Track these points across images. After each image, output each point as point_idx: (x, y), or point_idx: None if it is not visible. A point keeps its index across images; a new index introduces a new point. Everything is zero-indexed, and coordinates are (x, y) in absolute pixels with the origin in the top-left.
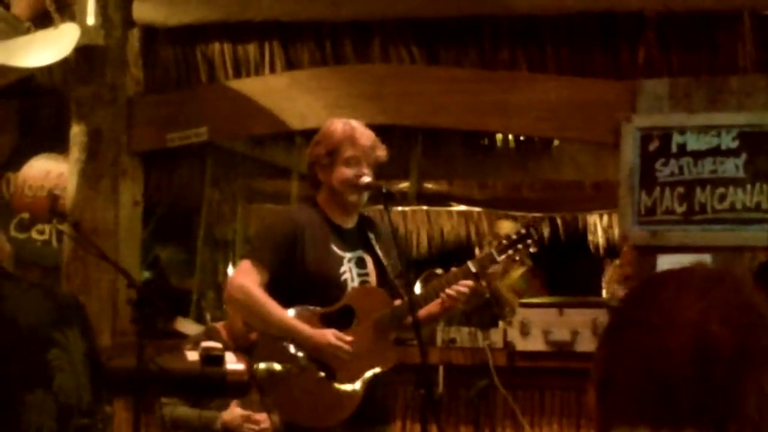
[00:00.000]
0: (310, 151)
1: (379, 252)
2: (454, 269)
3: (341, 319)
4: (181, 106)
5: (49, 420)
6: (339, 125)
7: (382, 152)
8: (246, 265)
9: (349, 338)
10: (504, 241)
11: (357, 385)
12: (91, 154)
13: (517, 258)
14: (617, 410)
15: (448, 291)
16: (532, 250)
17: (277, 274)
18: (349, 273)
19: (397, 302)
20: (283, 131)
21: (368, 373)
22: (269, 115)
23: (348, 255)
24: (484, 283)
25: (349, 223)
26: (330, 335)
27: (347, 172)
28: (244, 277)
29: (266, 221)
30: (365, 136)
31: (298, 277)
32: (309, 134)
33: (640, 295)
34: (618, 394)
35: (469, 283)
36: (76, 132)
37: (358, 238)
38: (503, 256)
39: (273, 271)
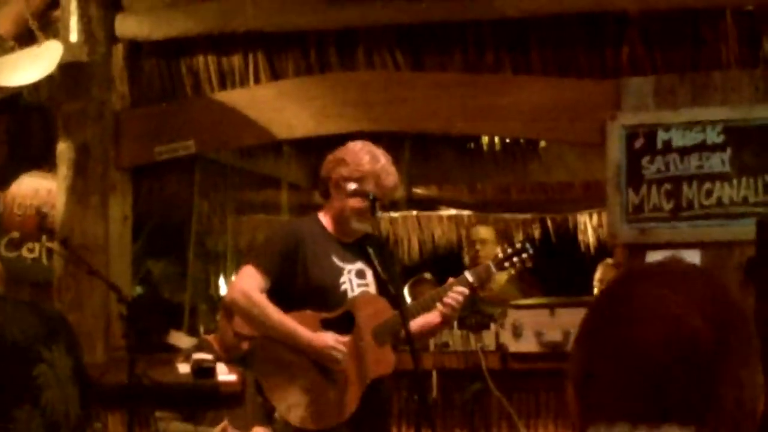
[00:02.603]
0: (331, 166)
1: (378, 266)
2: (451, 279)
3: (341, 325)
4: (168, 120)
5: None
6: (367, 157)
7: (398, 193)
8: (248, 270)
9: (347, 342)
10: (500, 255)
11: (355, 389)
12: (79, 171)
13: (513, 271)
14: (596, 407)
15: (446, 299)
16: (528, 264)
17: (279, 282)
18: (348, 284)
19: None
20: (270, 141)
21: (367, 378)
22: (256, 126)
23: (348, 267)
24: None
25: (350, 238)
26: (329, 338)
27: (360, 204)
28: (246, 281)
29: (268, 230)
30: (390, 177)
31: (298, 286)
32: (297, 144)
33: (617, 290)
34: (596, 390)
35: (465, 290)
36: (64, 148)
37: (358, 252)
38: (500, 269)
39: (274, 278)
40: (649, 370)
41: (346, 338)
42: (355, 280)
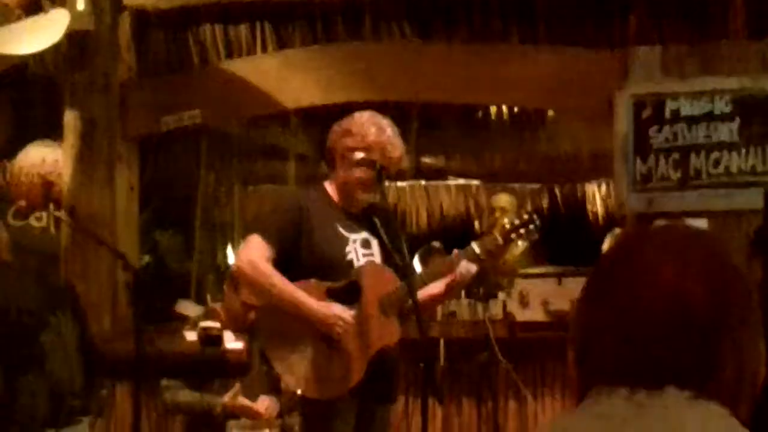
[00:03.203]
0: (336, 136)
1: (384, 236)
2: (456, 251)
3: (347, 295)
4: (174, 90)
5: (42, 401)
6: (373, 128)
7: (404, 164)
8: (254, 239)
9: (353, 312)
10: (507, 226)
11: (360, 359)
12: (85, 141)
13: (519, 243)
14: (596, 371)
15: (454, 271)
16: (534, 236)
17: (284, 251)
18: (354, 253)
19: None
20: (277, 112)
21: (372, 348)
22: (263, 96)
23: (353, 236)
24: (487, 265)
25: (355, 208)
26: (335, 308)
27: (365, 174)
28: (251, 251)
29: (273, 200)
30: (396, 149)
31: (304, 256)
32: (303, 114)
33: (617, 255)
34: (596, 354)
35: (473, 267)
36: (70, 119)
37: (363, 222)
38: (506, 240)
39: (279, 248)
40: (647, 335)
41: (351, 308)
42: (361, 249)
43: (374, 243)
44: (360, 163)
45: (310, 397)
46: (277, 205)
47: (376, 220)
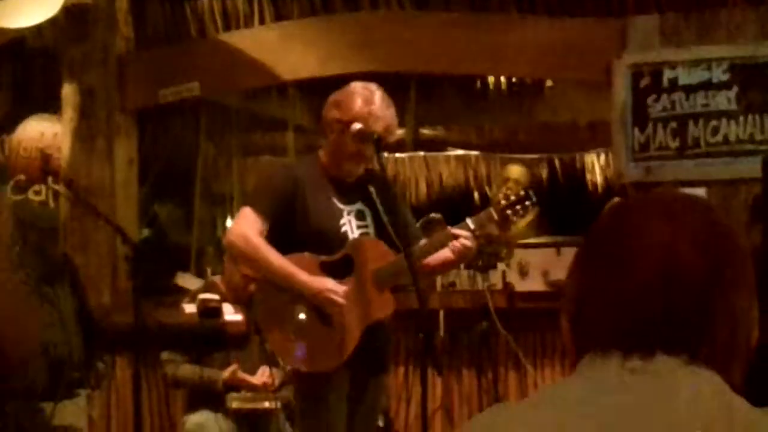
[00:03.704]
0: (327, 107)
1: (379, 206)
2: (450, 228)
3: (341, 268)
4: (172, 62)
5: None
6: (360, 99)
7: (394, 136)
8: (246, 212)
9: (346, 287)
10: (503, 202)
11: (353, 333)
12: (84, 114)
13: (515, 219)
14: (589, 337)
15: (451, 246)
16: (530, 212)
17: (277, 224)
18: (348, 225)
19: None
20: (275, 83)
21: (365, 322)
22: (261, 68)
23: (348, 208)
24: (481, 240)
25: (350, 177)
26: (328, 282)
27: (352, 147)
28: (244, 224)
29: (266, 172)
30: (380, 121)
31: (297, 228)
32: (302, 86)
33: (610, 221)
34: (590, 321)
35: (468, 243)
36: (69, 92)
37: (358, 192)
38: (502, 216)
39: (272, 220)
40: (640, 300)
41: (344, 282)
42: (355, 221)
43: (369, 214)
44: (344, 133)
45: (302, 372)
46: (271, 178)
47: (372, 189)
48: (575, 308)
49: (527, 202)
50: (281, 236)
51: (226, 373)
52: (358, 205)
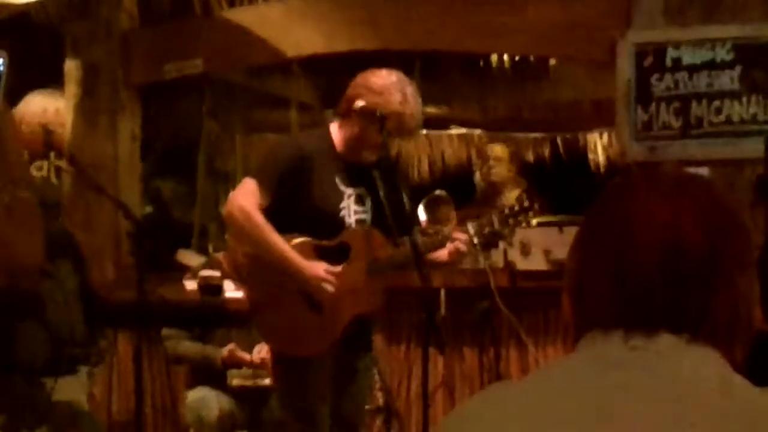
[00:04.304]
0: (359, 90)
1: (381, 192)
2: (448, 230)
3: (336, 255)
4: (177, 39)
5: (41, 349)
6: (397, 95)
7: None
8: (250, 185)
9: (338, 275)
10: (506, 211)
11: (339, 321)
12: (87, 90)
13: (515, 228)
14: (592, 315)
15: (449, 248)
16: (531, 222)
17: (279, 199)
18: (347, 209)
19: (400, 248)
20: (279, 60)
21: (352, 312)
22: (265, 45)
23: (349, 191)
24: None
25: (360, 161)
26: (320, 269)
27: (376, 136)
28: (245, 197)
29: (276, 144)
30: (414, 120)
31: (298, 206)
32: (306, 63)
33: (612, 199)
34: (592, 298)
35: (462, 248)
36: (72, 68)
37: (362, 175)
38: (503, 224)
39: (274, 195)
40: (641, 278)
41: (337, 270)
42: (354, 206)
43: (368, 199)
44: (373, 124)
45: (284, 354)
46: (278, 151)
47: (376, 174)
48: (577, 285)
49: (530, 212)
50: (279, 210)
51: (224, 351)
52: (360, 189)
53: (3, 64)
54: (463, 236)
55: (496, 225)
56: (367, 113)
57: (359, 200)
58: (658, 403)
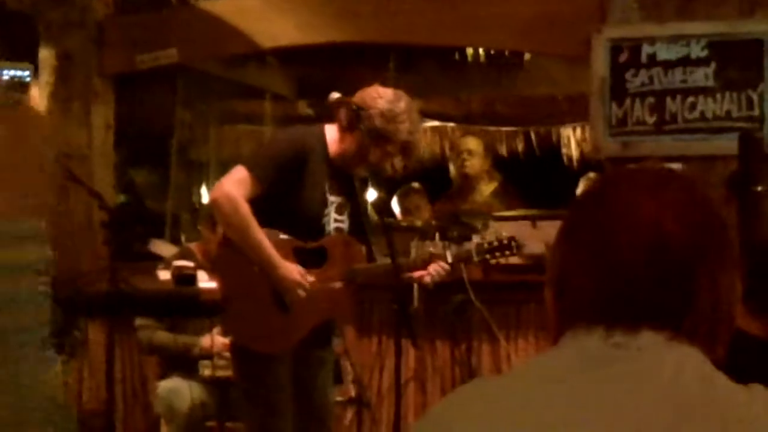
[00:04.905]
0: (369, 110)
1: (360, 201)
2: (429, 252)
3: (313, 258)
4: (152, 28)
5: None
6: (407, 124)
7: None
8: (242, 174)
9: (312, 280)
10: (486, 245)
11: (306, 324)
12: (61, 78)
13: (493, 262)
14: (573, 310)
15: (427, 272)
16: (508, 259)
17: (268, 192)
18: (329, 216)
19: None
20: (255, 51)
21: (320, 316)
22: (241, 36)
23: (332, 198)
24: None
25: (345, 167)
26: (296, 271)
27: (376, 158)
28: (235, 186)
29: (276, 137)
30: (419, 147)
31: (284, 203)
32: (281, 54)
33: (593, 195)
34: (574, 294)
35: (446, 267)
36: (46, 56)
37: (346, 183)
38: (480, 258)
39: (266, 188)
40: (624, 274)
41: (313, 273)
42: (334, 214)
43: (347, 209)
44: (379, 147)
45: (245, 349)
46: (277, 145)
47: (357, 185)
48: (559, 281)
49: (507, 252)
50: (265, 203)
51: (206, 341)
52: (342, 198)
53: (29, 75)
54: (441, 264)
55: (475, 258)
56: (374, 136)
57: (339, 210)
58: (641, 400)
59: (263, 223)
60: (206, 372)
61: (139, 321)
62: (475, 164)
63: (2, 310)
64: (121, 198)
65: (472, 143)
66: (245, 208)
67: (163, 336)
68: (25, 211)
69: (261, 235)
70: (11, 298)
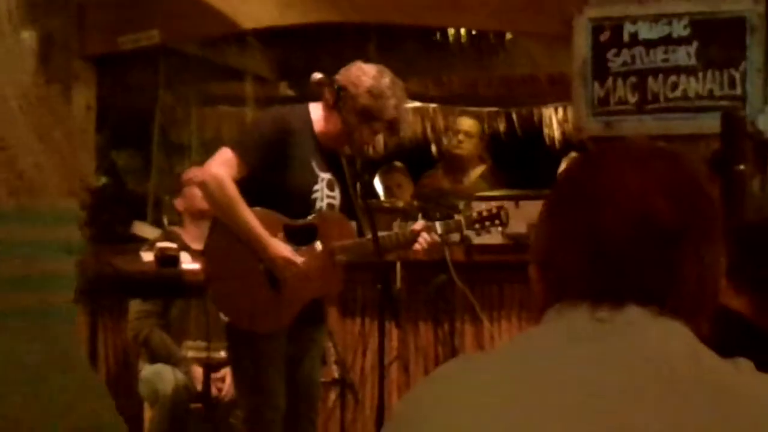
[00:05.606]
0: (355, 89)
1: (348, 179)
2: (420, 223)
3: (303, 235)
4: (133, 9)
5: None
6: (393, 100)
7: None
8: (227, 155)
9: (302, 257)
10: (475, 215)
11: (297, 301)
12: (42, 59)
13: (481, 233)
14: (559, 286)
15: (416, 246)
16: (498, 230)
17: (255, 172)
18: (320, 192)
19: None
20: (235, 32)
21: (311, 294)
22: (221, 16)
23: (322, 175)
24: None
25: (331, 145)
26: (286, 249)
27: (364, 138)
28: (221, 167)
29: (259, 118)
30: (405, 122)
31: (273, 182)
32: (262, 35)
33: (579, 170)
34: (558, 270)
35: (435, 237)
36: (26, 37)
37: (333, 160)
38: (469, 229)
39: (252, 168)
40: (609, 250)
41: (303, 251)
42: (326, 190)
43: (337, 186)
44: (366, 124)
45: (239, 328)
46: (261, 126)
47: (344, 162)
48: (544, 257)
49: (497, 221)
50: (253, 184)
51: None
52: (330, 174)
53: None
54: (428, 236)
55: (464, 229)
56: (361, 114)
57: (330, 185)
58: (628, 374)
59: (252, 202)
60: (189, 354)
61: (134, 307)
62: (469, 146)
63: (45, 287)
64: (103, 180)
65: (469, 124)
66: (232, 188)
67: (157, 339)
68: (63, 191)
69: (249, 215)
70: (49, 277)
